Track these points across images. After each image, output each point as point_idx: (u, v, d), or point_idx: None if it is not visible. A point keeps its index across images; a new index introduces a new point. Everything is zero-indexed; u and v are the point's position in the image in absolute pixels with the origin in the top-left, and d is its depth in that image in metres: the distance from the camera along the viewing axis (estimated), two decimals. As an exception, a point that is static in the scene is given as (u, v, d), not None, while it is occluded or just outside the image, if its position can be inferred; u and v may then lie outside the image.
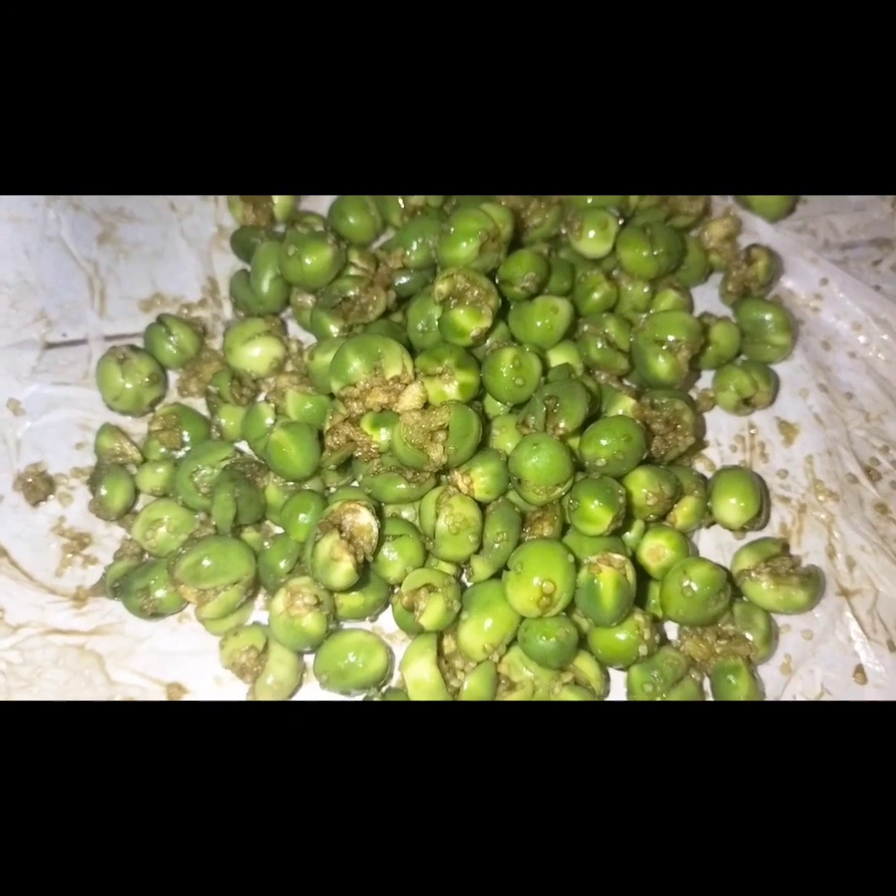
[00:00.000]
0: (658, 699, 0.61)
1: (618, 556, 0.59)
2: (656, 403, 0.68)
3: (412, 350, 0.67)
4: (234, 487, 0.64)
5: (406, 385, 0.63)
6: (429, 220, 0.74)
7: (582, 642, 0.62)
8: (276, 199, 0.80)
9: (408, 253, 0.73)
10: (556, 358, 0.70)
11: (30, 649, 0.65)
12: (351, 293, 0.71)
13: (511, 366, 0.65)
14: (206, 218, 0.85)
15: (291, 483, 0.67)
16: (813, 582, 0.66)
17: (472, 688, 0.60)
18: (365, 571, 0.62)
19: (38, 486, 0.71)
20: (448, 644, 0.63)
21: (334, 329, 0.71)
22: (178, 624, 0.67)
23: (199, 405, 0.74)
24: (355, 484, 0.69)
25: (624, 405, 0.66)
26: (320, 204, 0.84)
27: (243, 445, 0.70)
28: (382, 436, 0.63)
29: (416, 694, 0.60)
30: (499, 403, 0.69)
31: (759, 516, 0.69)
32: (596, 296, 0.74)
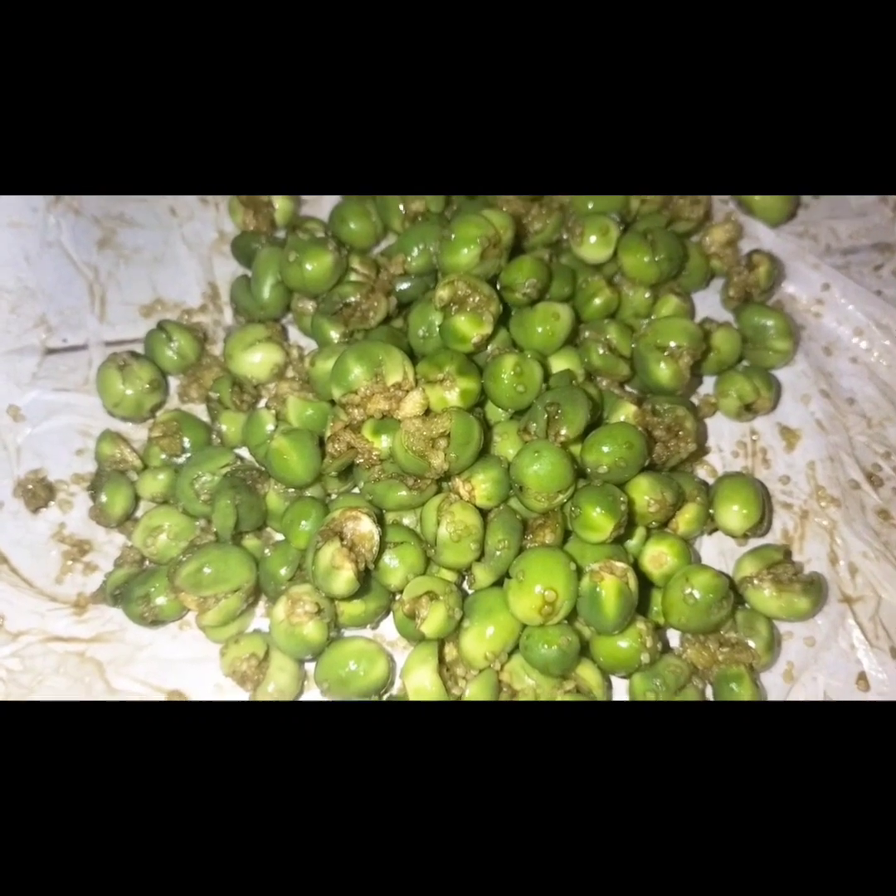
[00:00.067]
0: (660, 707, 0.61)
1: (620, 564, 0.59)
2: (658, 410, 0.68)
3: (413, 356, 0.67)
4: (234, 494, 0.64)
5: (407, 392, 0.63)
6: (430, 225, 0.74)
7: (584, 650, 0.62)
8: (277, 204, 0.80)
9: (409, 259, 0.73)
10: (558, 364, 0.70)
11: (30, 656, 0.65)
12: (352, 299, 0.71)
13: (512, 372, 0.65)
14: (207, 223, 0.85)
15: (292, 490, 0.67)
16: (815, 589, 0.66)
17: (474, 696, 0.60)
18: (366, 579, 0.62)
19: (38, 493, 0.71)
20: (449, 652, 0.63)
21: (335, 335, 0.71)
22: (178, 631, 0.67)
23: (200, 411, 0.74)
24: (356, 491, 0.69)
25: (625, 411, 0.66)
26: (321, 209, 0.84)
27: (244, 452, 0.70)
28: (383, 442, 0.63)
29: (418, 702, 0.60)
30: (500, 410, 0.69)
31: (762, 523, 0.68)
32: (597, 301, 0.73)
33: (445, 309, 0.67)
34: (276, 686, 0.62)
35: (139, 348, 0.76)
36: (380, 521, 0.63)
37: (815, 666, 0.66)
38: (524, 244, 0.77)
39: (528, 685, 0.61)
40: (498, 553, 0.62)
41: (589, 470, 0.63)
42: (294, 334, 0.78)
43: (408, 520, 0.67)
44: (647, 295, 0.75)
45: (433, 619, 0.61)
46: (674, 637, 0.67)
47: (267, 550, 0.66)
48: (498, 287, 0.70)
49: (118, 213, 0.85)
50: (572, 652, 0.60)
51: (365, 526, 0.60)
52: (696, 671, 0.64)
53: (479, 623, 0.61)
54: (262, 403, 0.74)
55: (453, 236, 0.68)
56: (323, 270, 0.71)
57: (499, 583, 0.63)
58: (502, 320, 0.69)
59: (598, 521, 0.60)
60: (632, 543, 0.65)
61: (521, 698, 0.61)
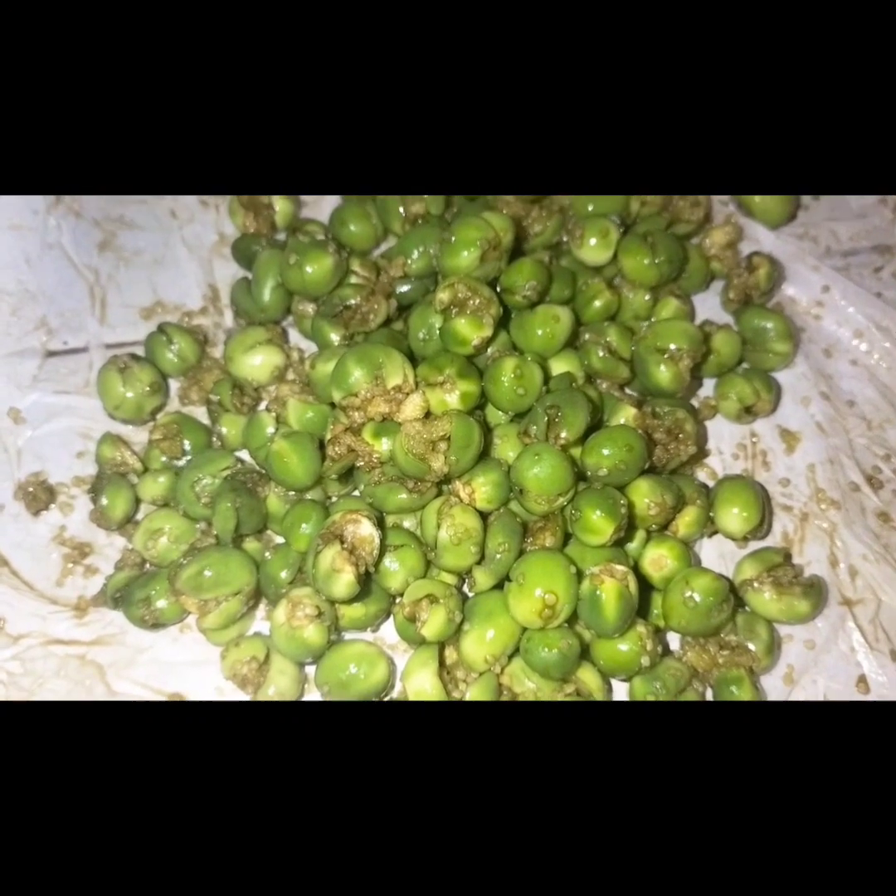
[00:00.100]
0: (660, 710, 0.61)
1: (620, 567, 0.59)
2: (658, 412, 0.68)
3: (413, 359, 0.67)
4: (235, 497, 0.64)
5: (407, 394, 0.63)
6: (430, 228, 0.74)
7: (584, 653, 0.62)
8: (278, 206, 0.80)
9: (409, 261, 0.73)
10: (558, 367, 0.70)
11: (31, 659, 0.65)
12: (352, 302, 0.71)
13: (512, 375, 0.65)
14: (207, 225, 0.85)
15: (293, 493, 0.67)
16: (815, 591, 0.66)
17: (474, 699, 0.60)
18: (366, 582, 0.62)
19: (38, 496, 0.71)
20: (450, 655, 0.63)
21: (335, 338, 0.71)
22: (179, 634, 0.67)
23: (200, 414, 0.74)
24: (356, 494, 0.69)
25: (626, 414, 0.66)
26: (321, 211, 0.84)
27: (244, 454, 0.70)
28: (384, 445, 0.63)
29: (418, 705, 0.60)
30: (500, 413, 0.69)
31: (762, 525, 0.68)
32: (597, 304, 0.73)
33: (446, 311, 0.67)
34: (277, 689, 0.62)
35: (140, 351, 0.76)
36: (380, 524, 0.63)
37: (816, 669, 0.66)
38: (524, 247, 0.77)
39: (529, 688, 0.61)
40: (498, 556, 0.62)
41: (589, 473, 0.63)
42: (294, 337, 0.78)
43: (408, 523, 0.67)
44: (647, 297, 0.75)
45: (433, 623, 0.61)
46: (674, 640, 0.67)
47: (267, 553, 0.66)
48: (498, 289, 0.70)
49: (118, 216, 0.85)
50: (573, 655, 0.60)
51: (365, 529, 0.60)
52: (696, 674, 0.64)
53: (479, 626, 0.61)
54: (262, 406, 0.74)
55: (453, 239, 0.68)
56: (323, 273, 0.71)
57: (499, 586, 0.63)
58: (502, 323, 0.69)
59: (599, 524, 0.60)
60: (632, 546, 0.65)
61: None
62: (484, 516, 0.63)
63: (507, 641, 0.61)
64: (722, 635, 0.64)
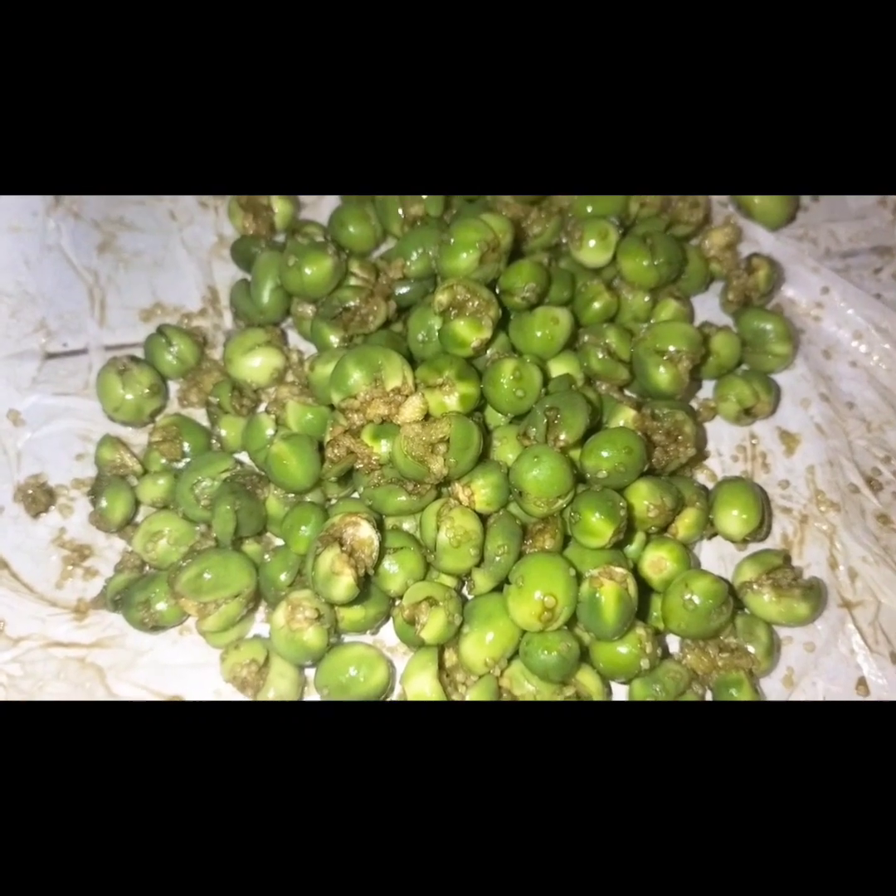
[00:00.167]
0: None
1: (619, 570, 0.59)
2: (657, 414, 0.68)
3: (412, 361, 0.67)
4: (234, 499, 0.64)
5: (407, 396, 0.63)
6: (429, 229, 0.74)
7: (584, 656, 0.62)
8: (277, 208, 0.80)
9: (408, 263, 0.73)
10: (557, 368, 0.70)
11: (31, 662, 0.65)
12: (351, 303, 0.71)
13: (511, 377, 0.65)
14: (207, 227, 0.85)
15: (292, 495, 0.67)
16: (815, 594, 0.66)
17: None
18: (366, 584, 0.62)
19: (38, 498, 0.71)
20: (449, 657, 0.63)
21: (335, 339, 0.71)
22: (178, 637, 0.67)
23: (200, 416, 0.74)
24: (356, 496, 0.69)
25: (625, 416, 0.66)
26: (320, 213, 0.84)
27: (244, 457, 0.70)
28: (383, 447, 0.63)
29: (418, 707, 0.60)
30: (499, 415, 0.69)
31: (761, 528, 0.68)
32: (596, 306, 0.73)
33: (445, 313, 0.67)
34: (277, 692, 0.62)
35: (139, 353, 0.76)
36: (379, 526, 0.63)
37: (815, 671, 0.66)
38: (523, 248, 0.77)
39: (528, 691, 0.61)
40: (497, 558, 0.62)
41: (588, 475, 0.63)
42: (294, 338, 0.78)
43: (407, 525, 0.67)
44: (646, 299, 0.75)
45: (433, 625, 0.61)
46: (673, 642, 0.67)
47: (267, 556, 0.66)
48: (497, 291, 0.69)
49: (118, 217, 0.85)
50: (572, 658, 0.60)
51: (364, 531, 0.60)
52: (695, 677, 0.64)
53: (478, 629, 0.61)
54: (261, 408, 0.74)
55: (452, 240, 0.68)
56: (322, 274, 0.71)
57: (498, 588, 0.63)
58: (501, 325, 0.69)
59: (598, 527, 0.60)
60: (631, 549, 0.65)
61: (521, 703, 0.61)
62: (483, 518, 0.63)
63: (507, 644, 0.61)
64: (721, 638, 0.64)
